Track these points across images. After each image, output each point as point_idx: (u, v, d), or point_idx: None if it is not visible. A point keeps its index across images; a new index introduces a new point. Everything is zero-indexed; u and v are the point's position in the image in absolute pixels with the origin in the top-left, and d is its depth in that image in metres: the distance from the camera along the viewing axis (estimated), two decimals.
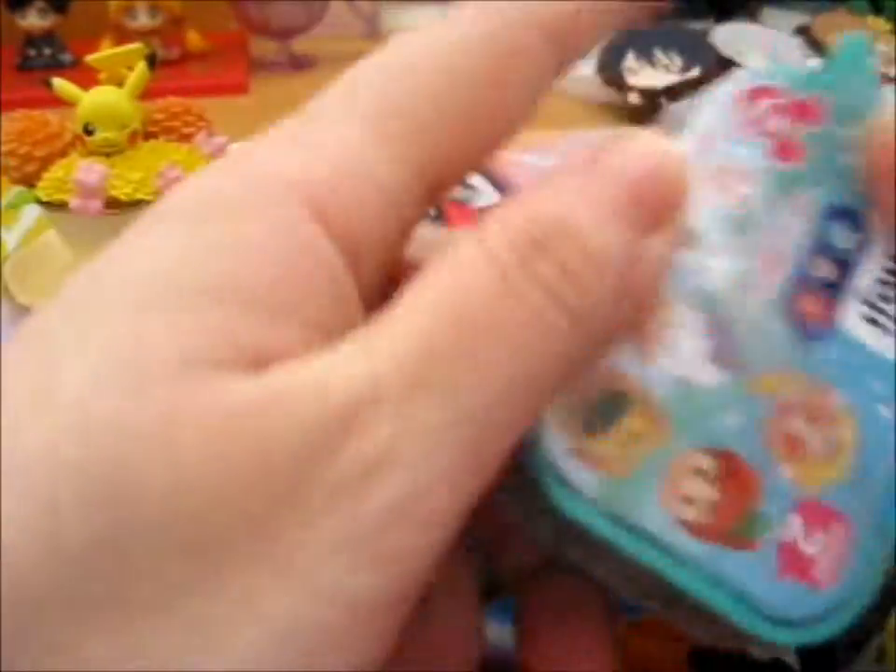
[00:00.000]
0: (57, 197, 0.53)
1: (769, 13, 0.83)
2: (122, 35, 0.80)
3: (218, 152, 0.55)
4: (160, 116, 0.57)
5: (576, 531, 0.15)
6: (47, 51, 0.82)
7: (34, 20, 0.81)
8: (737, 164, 0.17)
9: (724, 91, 0.18)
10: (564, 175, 0.15)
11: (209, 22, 0.89)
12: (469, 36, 0.16)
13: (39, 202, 0.53)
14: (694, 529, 0.15)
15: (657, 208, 0.15)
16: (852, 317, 0.17)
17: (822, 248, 0.17)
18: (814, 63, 0.72)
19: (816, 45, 0.78)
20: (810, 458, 0.16)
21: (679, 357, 0.16)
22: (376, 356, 0.13)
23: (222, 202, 0.15)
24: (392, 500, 0.13)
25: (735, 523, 0.16)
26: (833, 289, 0.17)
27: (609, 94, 0.68)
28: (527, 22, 0.16)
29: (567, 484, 0.15)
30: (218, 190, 0.15)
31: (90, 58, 0.57)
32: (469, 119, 0.16)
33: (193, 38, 0.87)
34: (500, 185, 0.62)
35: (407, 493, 0.13)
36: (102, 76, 0.57)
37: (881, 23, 0.82)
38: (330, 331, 0.14)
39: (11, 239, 0.50)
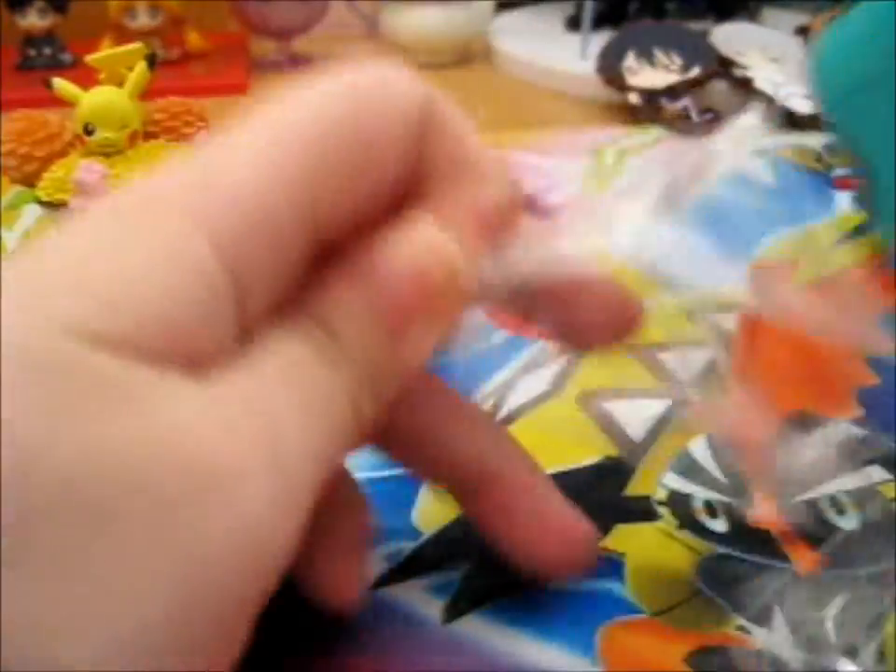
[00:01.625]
0: (57, 197, 0.53)
1: (769, 13, 0.83)
2: (122, 35, 0.80)
3: None
4: (160, 116, 0.57)
5: None
6: (47, 51, 0.82)
7: (34, 20, 0.81)
8: None
9: None
10: (345, 280, 0.18)
11: (209, 22, 0.89)
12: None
13: (39, 202, 0.53)
14: None
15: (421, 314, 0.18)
16: None
17: None
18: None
19: None
20: None
21: None
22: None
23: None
24: None
25: None
26: None
27: (608, 94, 0.68)
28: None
29: None
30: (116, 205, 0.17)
31: (90, 58, 0.57)
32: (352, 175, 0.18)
33: (193, 38, 0.87)
34: None
35: None
36: (102, 76, 0.57)
37: None
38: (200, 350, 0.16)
39: (12, 239, 0.50)
